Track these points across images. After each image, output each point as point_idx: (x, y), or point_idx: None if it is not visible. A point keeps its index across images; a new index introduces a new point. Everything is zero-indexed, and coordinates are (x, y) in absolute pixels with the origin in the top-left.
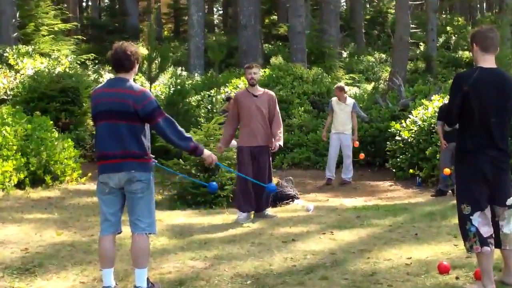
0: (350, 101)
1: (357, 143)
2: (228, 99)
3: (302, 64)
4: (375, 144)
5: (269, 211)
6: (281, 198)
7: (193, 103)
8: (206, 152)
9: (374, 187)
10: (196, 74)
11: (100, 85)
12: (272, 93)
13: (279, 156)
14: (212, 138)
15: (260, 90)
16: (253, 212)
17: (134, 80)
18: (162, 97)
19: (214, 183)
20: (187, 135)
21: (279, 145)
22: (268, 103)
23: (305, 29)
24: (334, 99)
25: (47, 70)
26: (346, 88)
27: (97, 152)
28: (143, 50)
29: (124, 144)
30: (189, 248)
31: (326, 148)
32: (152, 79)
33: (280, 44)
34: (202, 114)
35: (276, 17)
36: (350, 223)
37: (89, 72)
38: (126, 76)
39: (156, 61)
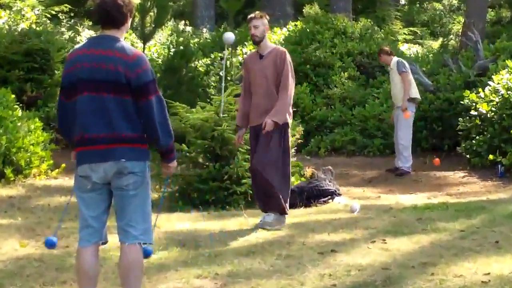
0: (394, 62)
1: (407, 114)
2: None
3: (346, 14)
4: (443, 121)
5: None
6: (317, 195)
7: (200, 69)
8: (175, 163)
9: (441, 179)
10: (204, 30)
11: (79, 45)
12: (282, 49)
13: (314, 138)
14: (226, 115)
15: (269, 47)
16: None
17: (125, 39)
18: (159, 61)
19: (51, 238)
20: (171, 130)
21: (272, 122)
22: (275, 65)
23: None
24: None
25: (6, 27)
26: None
27: (75, 136)
28: None
29: (113, 125)
30: (195, 263)
31: (377, 127)
32: (145, 37)
33: None
34: (213, 83)
35: None
36: (409, 228)
37: (63, 29)
38: (116, 34)
39: (152, 13)
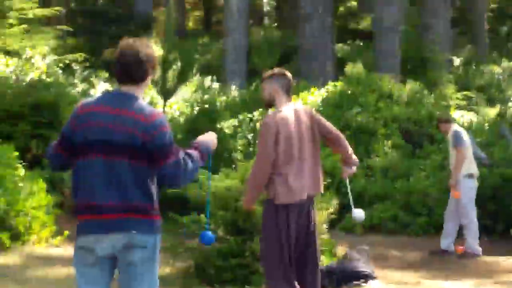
0: (451, 132)
1: (457, 193)
2: None
3: (393, 76)
4: (496, 199)
5: None
6: (348, 278)
7: (226, 130)
8: (210, 142)
9: (493, 264)
10: (233, 87)
11: (92, 98)
12: (264, 120)
13: (349, 214)
14: None
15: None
16: None
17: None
18: (181, 119)
19: (209, 233)
20: (195, 156)
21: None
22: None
23: (399, 24)
24: None
25: (13, 77)
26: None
27: (80, 201)
28: (156, 50)
29: (125, 192)
30: None
31: (421, 203)
32: (166, 94)
33: (361, 44)
34: (239, 147)
35: (355, 3)
36: None
37: (76, 81)
38: (134, 91)
39: (175, 66)
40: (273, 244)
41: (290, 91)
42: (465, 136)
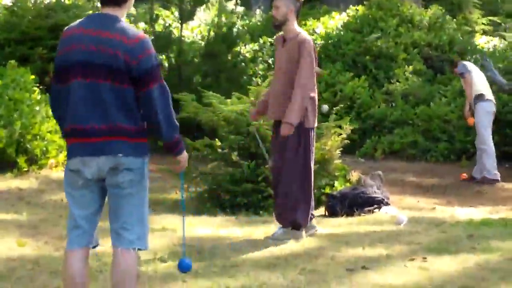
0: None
1: (471, 120)
2: None
3: (414, 0)
4: None
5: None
6: (361, 203)
7: (247, 55)
8: (185, 154)
9: (509, 191)
10: (258, 11)
11: (75, 22)
12: (305, 37)
13: (371, 139)
14: None
15: (293, 32)
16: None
17: (166, 17)
18: (202, 44)
19: (186, 260)
20: (176, 122)
21: (287, 125)
22: (295, 53)
23: None
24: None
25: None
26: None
27: (66, 126)
28: None
29: (110, 115)
30: (206, 274)
31: (442, 129)
32: (184, 17)
33: None
34: (260, 72)
35: None
36: (456, 246)
37: (97, 3)
38: (116, 13)
39: None
40: (311, 168)
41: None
42: (470, 65)
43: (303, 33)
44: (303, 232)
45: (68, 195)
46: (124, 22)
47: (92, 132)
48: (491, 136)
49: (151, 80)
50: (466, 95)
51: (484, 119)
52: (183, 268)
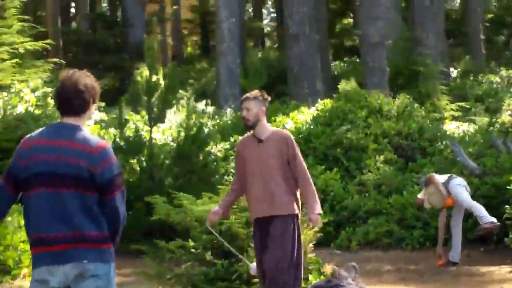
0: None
1: (450, 200)
2: None
3: (382, 91)
4: (490, 209)
5: None
6: None
7: (218, 154)
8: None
9: (485, 275)
10: (228, 110)
11: (35, 132)
12: (286, 133)
13: (345, 230)
14: (235, 207)
15: (268, 130)
16: None
17: (136, 122)
18: (173, 145)
19: None
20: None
21: (318, 216)
22: (281, 150)
23: (385, 39)
24: None
25: (1, 111)
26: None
27: (30, 234)
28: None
29: (73, 223)
30: None
31: (416, 217)
32: (154, 120)
33: (358, 60)
34: (232, 170)
35: (351, 20)
36: None
37: None
38: (77, 122)
39: (158, 92)
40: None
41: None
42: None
43: (278, 129)
44: None
45: None
46: (85, 130)
47: (57, 240)
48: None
49: (115, 189)
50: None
51: (461, 190)
52: None
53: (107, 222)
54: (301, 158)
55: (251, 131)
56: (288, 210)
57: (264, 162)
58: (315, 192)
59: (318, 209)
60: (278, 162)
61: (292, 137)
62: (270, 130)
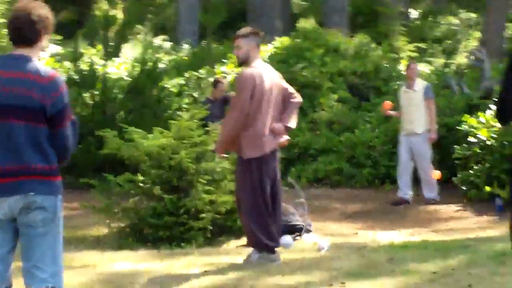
0: (421, 85)
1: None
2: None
3: (340, 29)
4: (441, 148)
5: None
6: (283, 232)
7: (172, 89)
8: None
9: (432, 213)
10: (185, 46)
11: None
12: (240, 74)
13: (295, 167)
14: (186, 142)
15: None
16: None
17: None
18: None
19: None
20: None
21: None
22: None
23: None
24: (402, 87)
25: None
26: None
27: None
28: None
29: (21, 155)
30: None
31: (366, 155)
32: (109, 54)
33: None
34: (185, 106)
35: None
36: (376, 269)
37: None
38: (29, 53)
39: (115, 26)
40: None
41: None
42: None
43: (245, 69)
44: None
45: None
46: (37, 61)
47: (4, 172)
48: None
49: (64, 118)
50: (433, 117)
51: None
52: None
53: (56, 152)
54: (234, 99)
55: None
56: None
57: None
58: (221, 135)
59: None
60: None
61: (241, 76)
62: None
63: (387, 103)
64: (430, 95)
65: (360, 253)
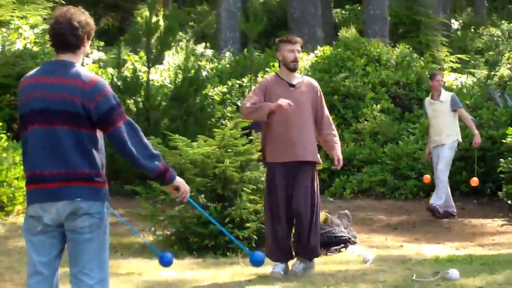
0: (446, 96)
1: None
2: None
3: (382, 39)
4: (486, 162)
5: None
6: (328, 243)
7: (215, 97)
8: (179, 179)
9: (477, 227)
10: (227, 54)
11: (32, 71)
12: (314, 81)
13: (339, 178)
14: (230, 151)
15: (297, 77)
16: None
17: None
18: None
19: (169, 255)
20: (155, 151)
21: (339, 158)
22: (312, 97)
23: None
24: (427, 98)
25: (0, 47)
26: (441, 77)
27: (26, 172)
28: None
29: (67, 160)
30: None
31: (410, 167)
32: (152, 60)
33: (359, 8)
34: (228, 114)
35: None
36: (420, 283)
37: None
38: (71, 59)
39: (158, 33)
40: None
41: None
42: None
43: (305, 76)
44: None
45: (27, 241)
46: (79, 67)
47: (50, 177)
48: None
49: (116, 119)
50: (472, 124)
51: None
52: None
53: (121, 154)
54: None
55: (276, 73)
56: (316, 157)
57: (300, 106)
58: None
59: (340, 154)
60: (310, 107)
61: (318, 86)
62: (298, 76)
63: (427, 178)
64: (458, 104)
65: (405, 266)
